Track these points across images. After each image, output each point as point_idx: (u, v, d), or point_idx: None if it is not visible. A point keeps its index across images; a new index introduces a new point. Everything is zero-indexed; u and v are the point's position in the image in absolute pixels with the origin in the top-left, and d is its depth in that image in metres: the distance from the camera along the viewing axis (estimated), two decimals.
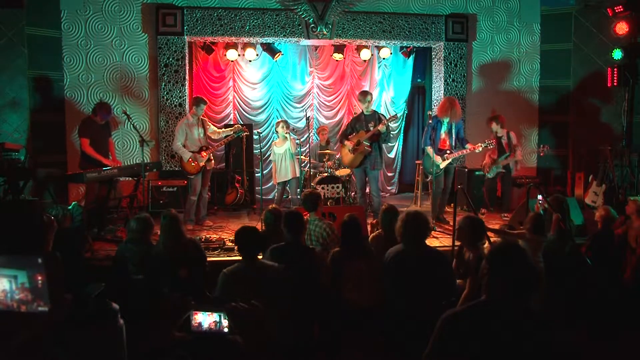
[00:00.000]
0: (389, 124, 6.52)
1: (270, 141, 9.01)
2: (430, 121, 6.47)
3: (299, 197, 7.34)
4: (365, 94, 6.68)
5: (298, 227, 3.69)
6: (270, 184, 8.75)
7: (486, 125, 7.44)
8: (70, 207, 5.62)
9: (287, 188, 7.19)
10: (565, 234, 4.41)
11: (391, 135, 6.92)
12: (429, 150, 6.38)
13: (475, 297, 2.74)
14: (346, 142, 6.64)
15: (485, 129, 7.51)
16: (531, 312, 2.03)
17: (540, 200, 4.99)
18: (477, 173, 7.61)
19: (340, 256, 3.65)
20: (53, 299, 1.78)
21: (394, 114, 8.38)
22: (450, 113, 6.30)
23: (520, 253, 2.08)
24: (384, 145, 6.68)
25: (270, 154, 8.09)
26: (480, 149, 6.35)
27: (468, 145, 6.39)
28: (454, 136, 6.41)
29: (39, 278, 1.75)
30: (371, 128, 6.44)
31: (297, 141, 7.17)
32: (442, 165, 6.36)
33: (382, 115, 6.87)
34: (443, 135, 6.41)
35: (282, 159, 7.03)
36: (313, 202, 4.54)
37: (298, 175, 7.08)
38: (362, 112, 6.69)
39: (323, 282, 3.58)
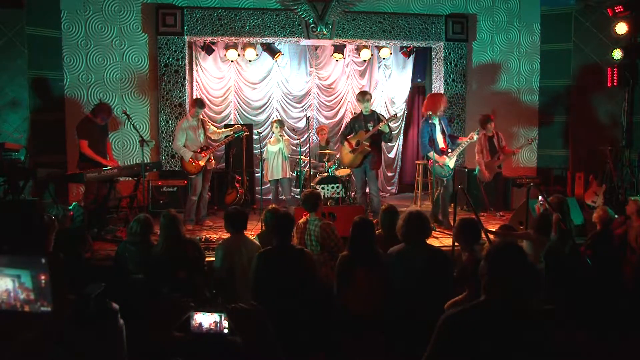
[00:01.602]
0: (389, 123, 6.52)
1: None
2: (422, 128, 6.35)
3: (294, 196, 7.36)
4: (364, 94, 6.68)
5: (285, 229, 3.59)
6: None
7: (480, 126, 7.38)
8: (70, 208, 5.63)
9: (280, 187, 7.20)
10: (566, 234, 4.41)
11: (392, 135, 6.87)
12: (433, 155, 6.21)
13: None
14: (346, 143, 6.66)
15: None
16: (531, 312, 2.04)
17: (540, 201, 4.99)
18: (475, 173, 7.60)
19: (348, 261, 3.50)
20: (56, 299, 1.78)
21: (394, 113, 8.37)
22: (441, 107, 6.29)
23: (519, 253, 2.09)
24: (384, 145, 6.66)
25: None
26: (475, 137, 6.34)
27: (465, 139, 6.34)
28: (446, 134, 6.38)
29: (42, 278, 1.76)
30: (370, 128, 6.45)
31: (297, 141, 7.19)
32: (452, 164, 6.29)
33: (381, 115, 6.87)
34: (440, 135, 6.35)
35: (275, 157, 7.07)
36: (313, 202, 4.53)
37: (289, 175, 7.11)
38: (361, 112, 6.70)
39: (316, 284, 3.53)
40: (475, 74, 8.36)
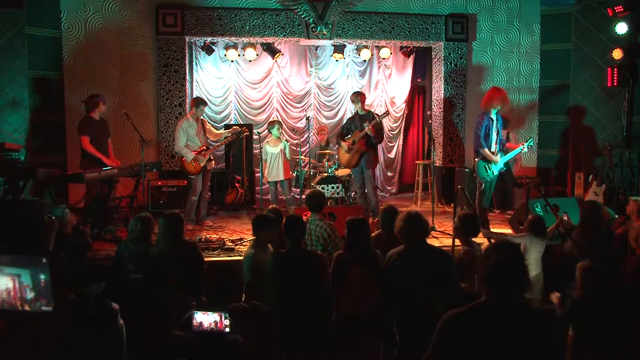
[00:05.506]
0: (381, 120, 6.56)
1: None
2: (480, 120, 5.77)
3: (294, 196, 7.36)
4: (356, 95, 6.77)
5: (298, 232, 3.59)
6: None
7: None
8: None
9: (280, 188, 7.16)
10: (567, 235, 4.42)
11: (375, 139, 6.71)
12: (485, 152, 5.68)
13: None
14: (342, 143, 6.69)
15: None
16: (531, 312, 2.04)
17: (565, 217, 4.85)
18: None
19: (343, 260, 3.52)
20: (57, 299, 1.78)
21: (385, 111, 8.25)
22: (494, 102, 5.71)
23: (515, 253, 2.09)
24: (384, 145, 6.65)
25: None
26: (526, 148, 6.01)
27: (514, 147, 6.03)
28: (500, 135, 5.93)
29: (43, 277, 1.76)
30: (366, 127, 6.48)
31: (297, 141, 7.17)
32: (497, 169, 5.83)
33: (376, 114, 6.89)
34: (495, 134, 5.77)
35: (275, 158, 6.99)
36: (318, 203, 4.52)
37: (289, 177, 7.08)
38: (357, 112, 6.76)
39: (325, 285, 3.54)
40: (475, 74, 8.35)
